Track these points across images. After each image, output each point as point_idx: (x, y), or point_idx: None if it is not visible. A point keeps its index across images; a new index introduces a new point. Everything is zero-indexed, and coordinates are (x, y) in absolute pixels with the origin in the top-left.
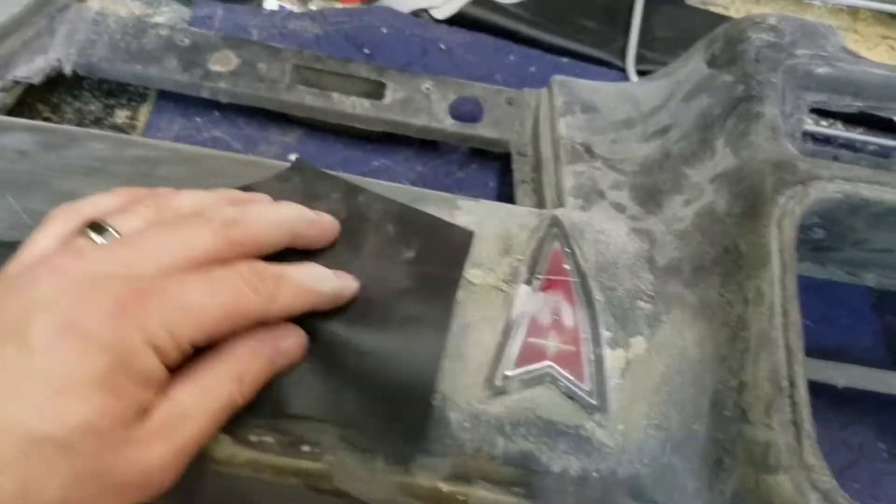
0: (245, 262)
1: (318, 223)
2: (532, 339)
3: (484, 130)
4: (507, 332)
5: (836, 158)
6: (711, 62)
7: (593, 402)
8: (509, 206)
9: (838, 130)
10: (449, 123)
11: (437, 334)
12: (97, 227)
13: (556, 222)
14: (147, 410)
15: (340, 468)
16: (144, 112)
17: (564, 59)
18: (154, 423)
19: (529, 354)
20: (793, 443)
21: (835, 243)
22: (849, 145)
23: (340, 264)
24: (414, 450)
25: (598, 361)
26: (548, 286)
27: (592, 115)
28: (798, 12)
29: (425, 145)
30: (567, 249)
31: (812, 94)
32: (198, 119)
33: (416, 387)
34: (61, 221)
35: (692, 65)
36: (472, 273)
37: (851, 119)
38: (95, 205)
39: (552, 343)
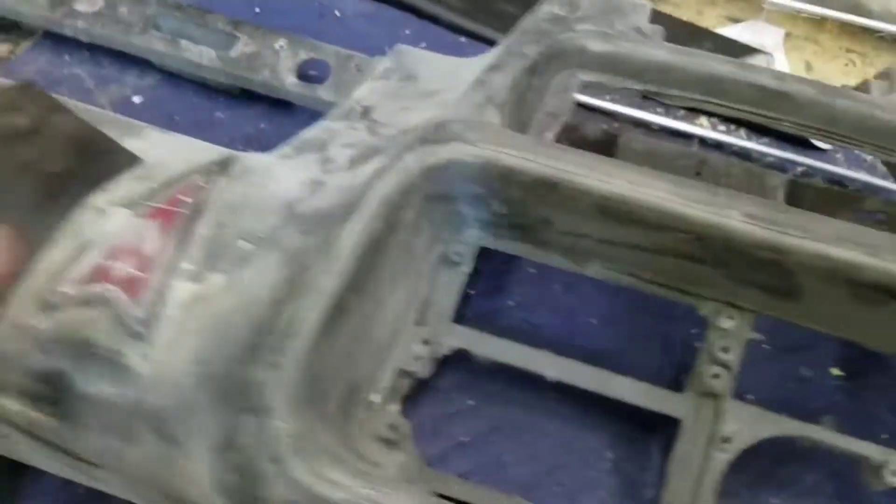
0: None
1: None
2: (105, 262)
3: (324, 92)
4: (81, 251)
5: (703, 162)
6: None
7: (140, 329)
8: (200, 142)
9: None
10: (290, 82)
11: (27, 247)
12: None
13: (226, 161)
14: None
15: None
16: (24, 46)
17: (463, 39)
18: None
19: (95, 275)
20: (274, 384)
21: (524, 220)
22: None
23: None
24: None
25: (163, 292)
26: (153, 214)
27: (406, 84)
28: (750, 14)
29: (280, 104)
30: (205, 185)
31: (587, 73)
32: (66, 56)
33: None
34: None
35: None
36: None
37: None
38: None
39: (124, 268)
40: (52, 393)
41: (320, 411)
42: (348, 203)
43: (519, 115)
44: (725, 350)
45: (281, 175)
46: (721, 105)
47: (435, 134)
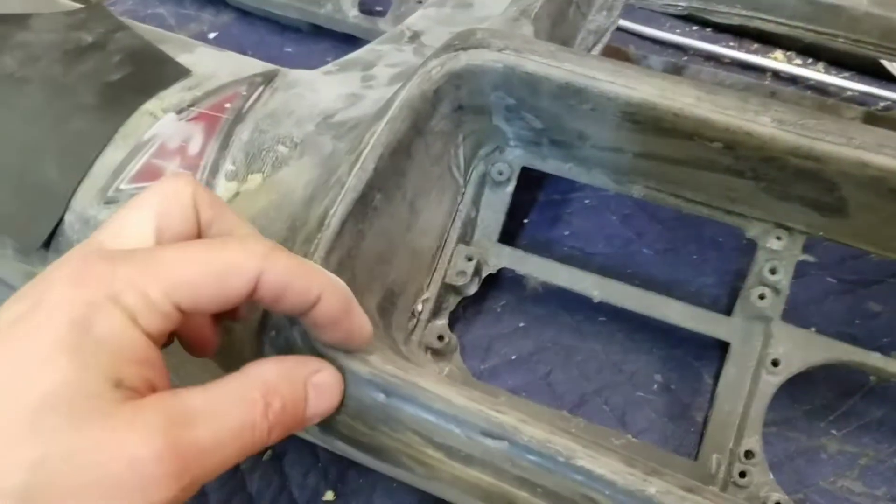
0: None
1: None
2: (155, 160)
3: (384, 25)
4: (135, 151)
5: (773, 94)
6: None
7: None
8: (248, 58)
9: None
10: (353, 15)
11: (91, 148)
12: None
13: (270, 74)
14: (131, 388)
15: None
16: None
17: None
18: (146, 411)
19: (147, 173)
20: None
21: (560, 135)
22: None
23: (49, 77)
24: (38, 244)
25: (209, 188)
26: (197, 118)
27: (460, 11)
28: None
29: (346, 39)
30: (246, 94)
31: None
32: None
33: (58, 188)
34: None
35: None
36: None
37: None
38: None
39: (172, 165)
40: None
41: None
42: (381, 111)
43: (559, 30)
44: (773, 271)
45: (322, 88)
46: (769, 21)
47: (459, 41)
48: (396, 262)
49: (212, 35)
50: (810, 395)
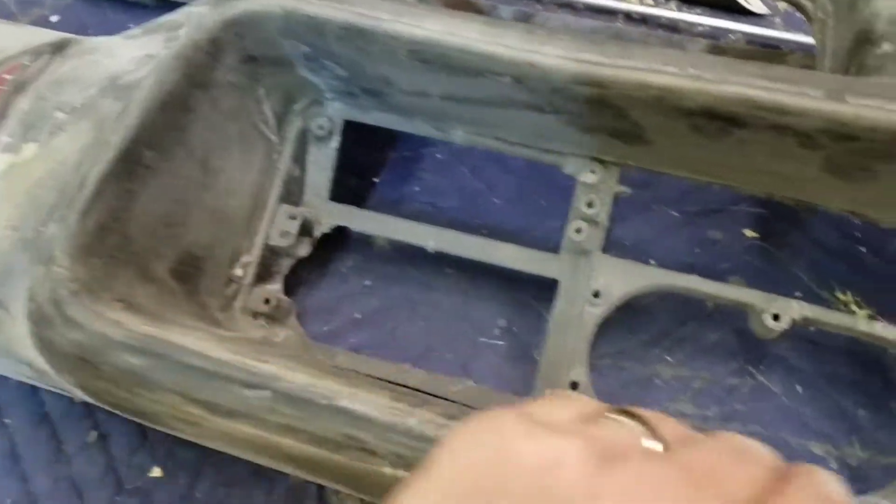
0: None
1: None
2: None
3: None
4: None
5: (618, 35)
6: None
7: None
8: (44, 30)
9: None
10: None
11: None
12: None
13: (63, 44)
14: None
15: None
16: None
17: None
18: None
19: None
20: (60, 235)
21: (366, 82)
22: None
23: None
24: None
25: None
26: None
27: None
28: None
29: None
30: (29, 63)
31: None
32: None
33: None
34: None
35: None
36: None
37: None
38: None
39: None
40: None
41: (132, 269)
42: (153, 68)
43: None
44: (590, 205)
45: (120, 53)
46: None
47: None
48: (193, 224)
49: (54, 18)
50: (647, 325)
